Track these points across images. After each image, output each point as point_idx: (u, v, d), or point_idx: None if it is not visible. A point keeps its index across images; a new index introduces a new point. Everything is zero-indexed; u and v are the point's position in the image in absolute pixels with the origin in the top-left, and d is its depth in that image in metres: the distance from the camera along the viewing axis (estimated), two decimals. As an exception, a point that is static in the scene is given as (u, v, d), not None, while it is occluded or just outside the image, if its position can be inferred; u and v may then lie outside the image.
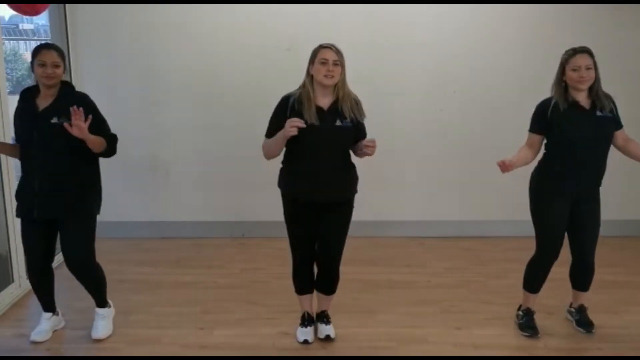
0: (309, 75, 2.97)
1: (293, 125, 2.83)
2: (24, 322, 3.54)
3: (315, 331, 3.30)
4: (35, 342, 3.22)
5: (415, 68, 4.83)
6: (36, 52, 2.97)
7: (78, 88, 3.23)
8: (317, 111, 2.92)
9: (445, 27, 4.82)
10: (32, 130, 2.95)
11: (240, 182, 5.03)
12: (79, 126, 2.86)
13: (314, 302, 3.32)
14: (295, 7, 4.73)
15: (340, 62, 2.91)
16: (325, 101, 2.96)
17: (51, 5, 4.29)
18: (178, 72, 4.86)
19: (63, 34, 4.66)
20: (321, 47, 2.95)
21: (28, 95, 3.04)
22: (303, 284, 3.26)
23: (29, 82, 3.19)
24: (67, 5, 4.65)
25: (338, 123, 2.93)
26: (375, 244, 4.75)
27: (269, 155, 3.07)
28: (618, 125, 3.15)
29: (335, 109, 2.95)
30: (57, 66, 2.95)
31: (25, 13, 3.65)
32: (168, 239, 4.98)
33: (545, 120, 3.14)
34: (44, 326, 3.28)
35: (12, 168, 3.75)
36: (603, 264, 3.77)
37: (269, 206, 5.07)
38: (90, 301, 3.32)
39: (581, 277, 3.35)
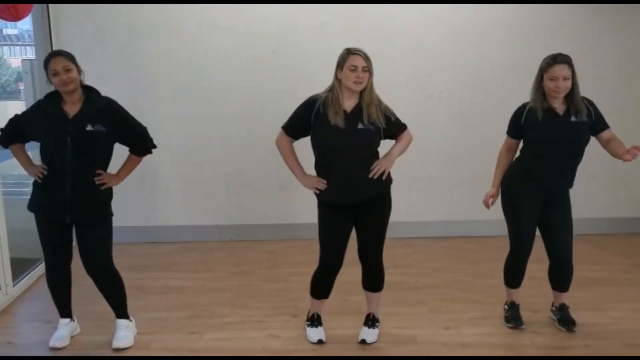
0: (337, 80, 2.99)
1: (317, 187, 3.03)
2: (11, 329, 3.52)
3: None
4: (55, 348, 3.20)
5: (400, 70, 4.85)
6: (46, 63, 2.98)
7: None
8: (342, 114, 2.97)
9: (430, 28, 4.85)
10: (65, 136, 2.96)
11: (228, 185, 5.02)
12: (107, 183, 3.10)
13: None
14: (280, 9, 4.73)
15: (368, 69, 2.94)
16: (349, 104, 2.99)
17: (34, 9, 4.24)
18: (165, 74, 4.85)
19: (47, 38, 4.62)
20: (350, 52, 2.95)
21: (53, 100, 3.03)
22: (323, 289, 3.27)
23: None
24: (50, 8, 4.60)
25: (360, 126, 2.97)
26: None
27: (280, 154, 3.19)
28: (602, 126, 3.18)
29: (358, 112, 2.98)
30: (69, 70, 2.94)
31: (5, 19, 3.63)
32: (155, 244, 4.96)
33: (519, 126, 3.22)
34: (63, 332, 3.26)
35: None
36: (588, 262, 3.84)
37: (258, 209, 5.13)
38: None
39: (559, 277, 3.38)
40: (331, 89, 3.01)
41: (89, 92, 3.06)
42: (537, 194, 3.22)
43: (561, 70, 3.04)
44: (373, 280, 3.27)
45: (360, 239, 3.18)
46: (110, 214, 3.20)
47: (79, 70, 3.01)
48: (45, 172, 3.03)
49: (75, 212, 3.06)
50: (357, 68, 2.91)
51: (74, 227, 3.15)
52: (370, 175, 3.01)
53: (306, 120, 3.02)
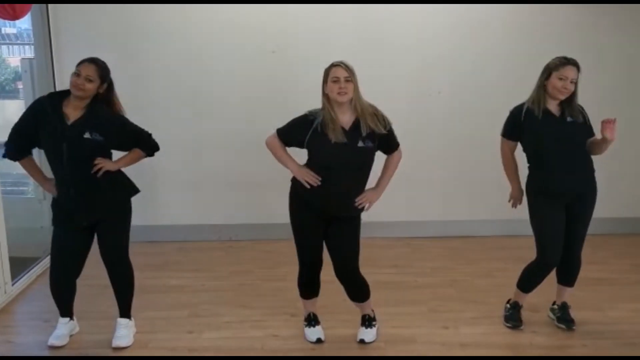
0: (325, 95, 2.99)
1: (309, 181, 2.98)
2: (10, 328, 3.52)
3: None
4: (54, 347, 3.21)
5: (399, 69, 4.85)
6: (79, 62, 2.99)
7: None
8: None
9: (430, 28, 4.85)
10: (61, 142, 2.95)
11: (228, 185, 5.02)
12: (102, 168, 3.03)
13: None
14: (279, 9, 4.73)
15: (351, 79, 2.94)
16: (345, 119, 2.99)
17: (33, 8, 4.25)
18: (165, 74, 4.84)
19: (46, 37, 4.62)
20: (332, 65, 2.98)
21: (57, 101, 3.02)
22: (310, 288, 3.28)
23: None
24: (49, 7, 4.60)
25: (360, 144, 2.97)
26: (361, 245, 4.75)
27: (271, 153, 3.15)
28: (590, 132, 3.22)
29: (356, 128, 2.98)
30: (89, 80, 2.95)
31: (3, 18, 3.63)
32: (155, 243, 4.96)
33: (519, 126, 3.22)
34: (62, 330, 3.27)
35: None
36: (587, 262, 3.81)
37: (257, 209, 5.13)
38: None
39: (568, 272, 3.40)
40: (323, 108, 3.00)
41: (95, 103, 3.04)
42: (556, 202, 3.21)
43: (571, 72, 3.09)
44: (357, 293, 3.26)
45: (336, 253, 3.14)
46: (128, 210, 3.20)
47: (101, 87, 3.01)
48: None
49: (85, 214, 3.07)
50: (340, 79, 2.92)
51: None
52: (355, 204, 3.04)
53: (301, 136, 3.01)
